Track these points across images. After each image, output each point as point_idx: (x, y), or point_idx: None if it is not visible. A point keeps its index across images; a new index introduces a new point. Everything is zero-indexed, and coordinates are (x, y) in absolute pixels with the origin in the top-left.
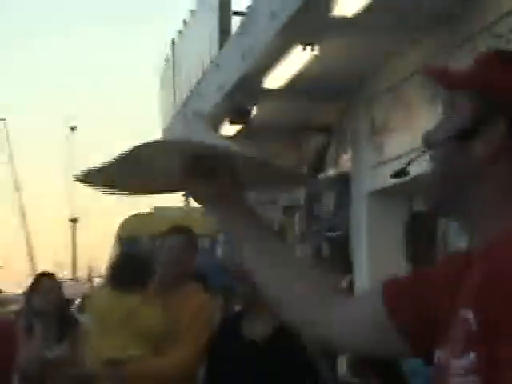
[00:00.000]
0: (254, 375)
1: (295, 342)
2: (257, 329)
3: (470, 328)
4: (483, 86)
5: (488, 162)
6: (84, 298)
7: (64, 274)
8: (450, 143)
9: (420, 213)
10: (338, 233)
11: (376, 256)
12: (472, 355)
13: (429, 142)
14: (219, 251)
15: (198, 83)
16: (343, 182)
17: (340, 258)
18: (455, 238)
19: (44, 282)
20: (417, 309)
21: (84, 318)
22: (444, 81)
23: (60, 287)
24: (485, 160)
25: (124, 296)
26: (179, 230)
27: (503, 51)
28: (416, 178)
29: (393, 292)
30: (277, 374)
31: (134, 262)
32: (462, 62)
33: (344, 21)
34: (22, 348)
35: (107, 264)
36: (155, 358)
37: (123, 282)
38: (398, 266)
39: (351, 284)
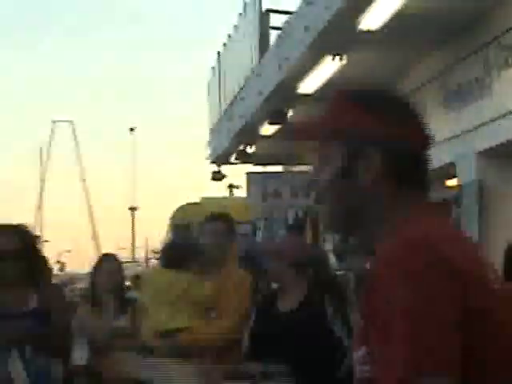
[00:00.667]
0: (288, 339)
1: (316, 312)
2: (285, 303)
3: (360, 326)
4: (342, 134)
5: (369, 190)
6: (136, 277)
7: (124, 255)
8: (334, 182)
9: None
10: None
11: None
12: (363, 349)
13: (313, 184)
14: (259, 236)
15: (241, 89)
16: None
17: None
18: None
19: (106, 261)
20: None
21: (138, 295)
22: (306, 135)
23: (120, 266)
24: (366, 189)
25: (178, 274)
26: (216, 217)
27: (352, 92)
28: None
29: None
30: (303, 336)
31: (184, 244)
32: (474, 71)
33: (369, 34)
34: (89, 321)
35: (161, 247)
36: (203, 328)
37: (175, 262)
38: None
39: None
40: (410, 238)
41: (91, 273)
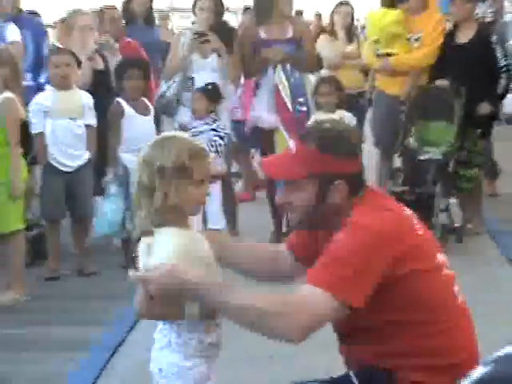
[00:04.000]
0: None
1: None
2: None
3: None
4: (315, 174)
5: (336, 205)
6: None
7: None
8: (312, 205)
9: None
10: None
11: None
12: None
13: (288, 206)
14: None
15: None
16: None
17: None
18: None
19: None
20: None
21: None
22: (284, 175)
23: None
24: (334, 205)
25: None
26: None
27: (321, 141)
28: None
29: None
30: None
31: None
32: None
33: None
34: (327, 47)
35: None
36: (407, 55)
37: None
38: None
39: None
40: (358, 222)
41: (332, 12)
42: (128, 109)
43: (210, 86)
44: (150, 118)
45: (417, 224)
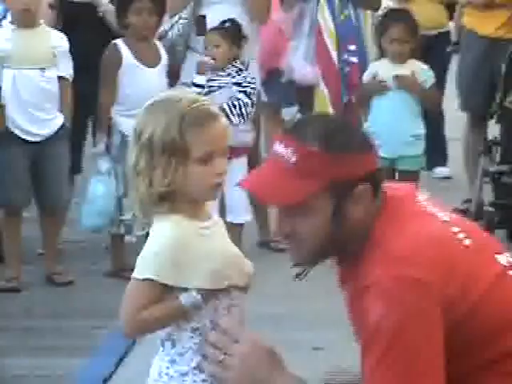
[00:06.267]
0: None
1: None
2: None
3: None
4: (329, 184)
5: (365, 217)
6: None
7: None
8: (327, 228)
9: None
10: None
11: None
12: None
13: (293, 237)
14: None
15: None
16: None
17: None
18: None
19: None
20: None
21: None
22: (288, 200)
23: None
24: (362, 217)
25: None
26: None
27: (327, 139)
28: None
29: None
30: None
31: None
32: None
33: None
34: None
35: None
36: None
37: None
38: None
39: None
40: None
41: None
42: (128, 55)
43: (227, 24)
44: (160, 70)
45: (460, 231)
